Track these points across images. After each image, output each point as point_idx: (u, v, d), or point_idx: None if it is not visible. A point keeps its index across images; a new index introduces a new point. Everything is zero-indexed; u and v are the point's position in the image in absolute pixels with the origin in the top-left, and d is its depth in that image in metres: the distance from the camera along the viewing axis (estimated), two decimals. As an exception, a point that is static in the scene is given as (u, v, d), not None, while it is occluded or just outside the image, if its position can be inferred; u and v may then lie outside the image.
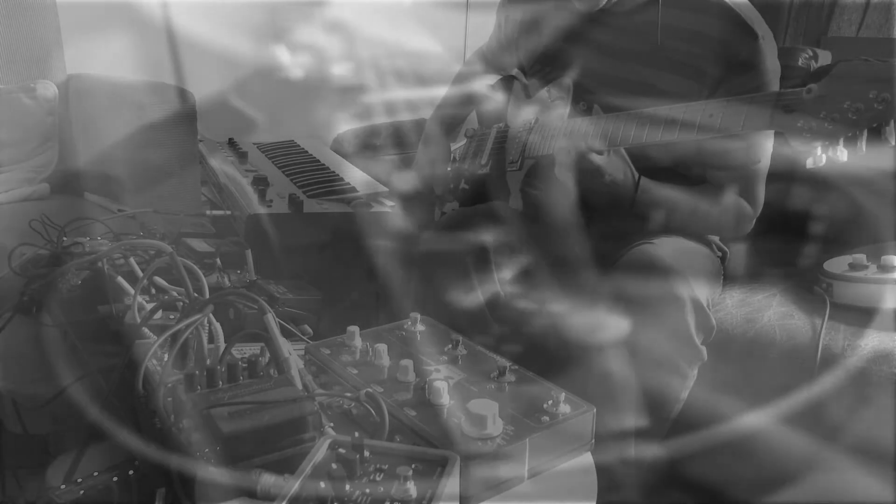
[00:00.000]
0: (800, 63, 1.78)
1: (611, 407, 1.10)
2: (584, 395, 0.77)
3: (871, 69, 0.90)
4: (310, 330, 0.95)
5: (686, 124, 1.05)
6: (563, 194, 1.16)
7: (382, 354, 0.81)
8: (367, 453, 0.60)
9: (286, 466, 0.62)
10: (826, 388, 1.19)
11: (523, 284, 1.29)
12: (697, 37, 1.18)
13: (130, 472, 0.68)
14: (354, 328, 0.86)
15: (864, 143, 0.91)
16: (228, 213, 1.46)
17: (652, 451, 1.15)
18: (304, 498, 0.56)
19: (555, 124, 1.28)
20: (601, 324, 1.09)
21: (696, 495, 1.28)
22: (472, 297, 1.24)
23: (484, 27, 1.59)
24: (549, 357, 1.12)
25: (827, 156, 0.93)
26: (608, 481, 1.11)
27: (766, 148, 1.21)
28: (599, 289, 1.21)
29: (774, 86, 1.18)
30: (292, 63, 2.20)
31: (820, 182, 1.57)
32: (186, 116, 1.61)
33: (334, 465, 0.59)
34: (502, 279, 1.28)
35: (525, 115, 1.38)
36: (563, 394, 0.74)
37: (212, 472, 0.61)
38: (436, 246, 1.28)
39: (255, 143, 1.96)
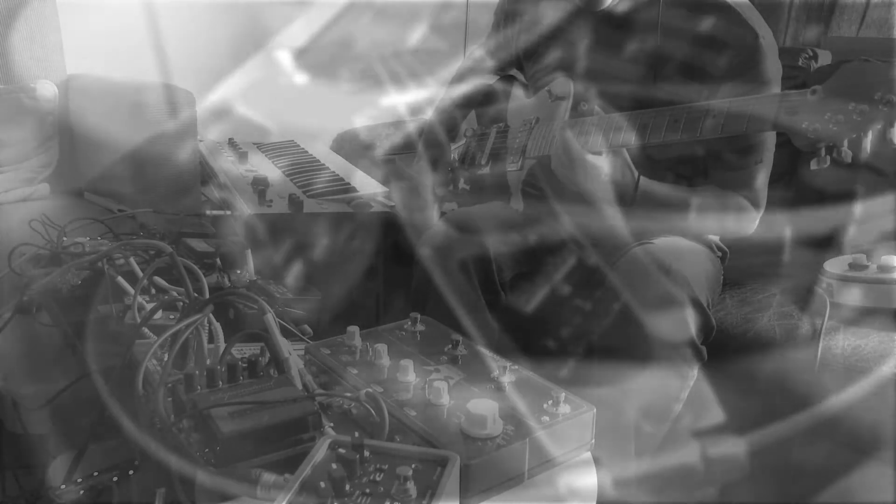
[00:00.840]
0: (800, 63, 1.78)
1: (689, 403, 1.11)
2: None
3: (875, 70, 0.90)
4: (310, 330, 0.95)
5: (688, 126, 1.05)
6: (592, 180, 1.15)
7: (382, 354, 0.81)
8: (367, 453, 0.60)
9: (286, 466, 0.62)
10: (826, 389, 1.19)
11: (576, 282, 1.29)
12: (698, 36, 1.18)
13: (130, 472, 0.68)
14: (354, 328, 0.86)
15: (868, 143, 0.91)
16: (228, 213, 1.46)
17: (735, 446, 1.16)
18: (304, 498, 0.56)
19: (555, 124, 1.28)
20: (679, 318, 1.09)
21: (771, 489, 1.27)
22: (473, 297, 1.24)
23: (484, 27, 1.59)
24: (618, 355, 1.12)
25: (831, 157, 0.93)
26: (689, 480, 1.12)
27: (767, 147, 1.21)
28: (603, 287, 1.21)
29: (776, 84, 1.18)
30: (293, 68, 2.19)
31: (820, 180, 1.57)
32: (186, 116, 1.61)
33: (334, 465, 0.58)
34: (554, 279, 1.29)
35: (525, 114, 1.38)
36: (564, 394, 0.74)
37: (212, 473, 0.61)
38: (435, 246, 1.28)
39: (255, 143, 1.96)
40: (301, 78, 2.21)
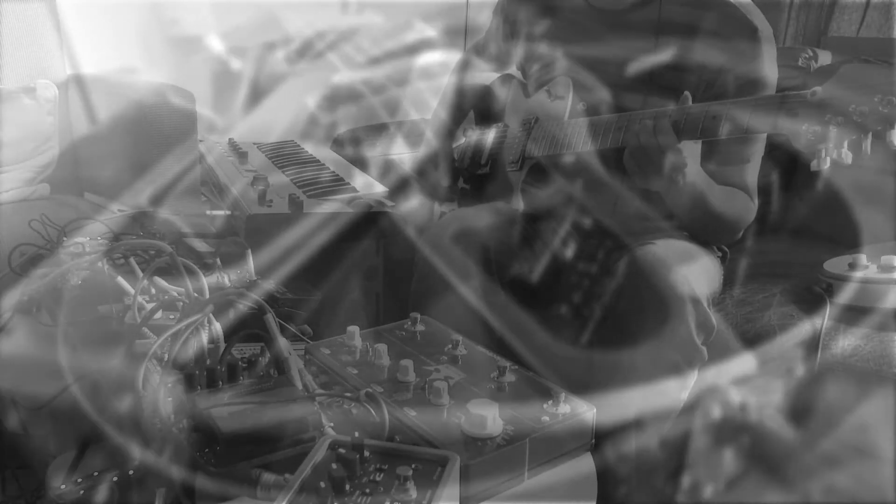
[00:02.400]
0: (800, 63, 1.78)
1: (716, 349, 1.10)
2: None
3: (875, 72, 0.90)
4: (310, 330, 0.95)
5: (688, 127, 1.06)
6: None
7: (382, 354, 0.81)
8: (367, 453, 0.60)
9: (286, 466, 0.62)
10: (826, 388, 1.19)
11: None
12: (696, 31, 1.18)
13: (130, 472, 0.68)
14: (354, 328, 0.86)
15: (868, 145, 0.91)
16: (228, 213, 1.46)
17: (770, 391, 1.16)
18: (304, 498, 0.56)
19: (555, 124, 1.28)
20: (679, 319, 1.09)
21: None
22: (473, 297, 1.23)
23: (484, 25, 1.59)
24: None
25: (831, 158, 0.93)
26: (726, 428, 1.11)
27: (755, 151, 1.22)
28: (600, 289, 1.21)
29: (773, 78, 1.18)
30: (226, 53, 2.10)
31: (820, 181, 1.58)
32: (186, 116, 1.61)
33: (334, 465, 0.59)
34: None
35: (524, 114, 1.38)
36: (563, 394, 0.74)
37: (212, 472, 0.61)
38: (435, 246, 1.28)
39: (255, 143, 1.96)
40: (236, 63, 2.12)
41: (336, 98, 2.21)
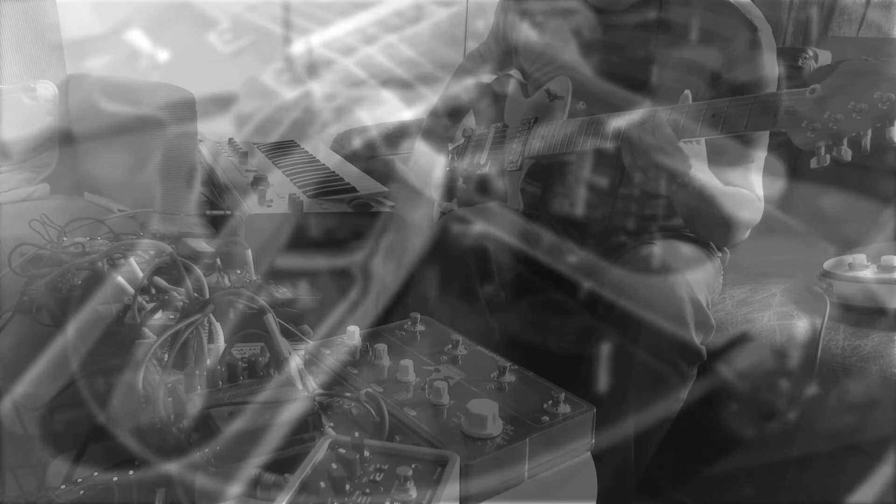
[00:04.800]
0: (800, 63, 1.78)
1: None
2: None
3: (875, 69, 0.90)
4: (310, 330, 0.95)
5: (688, 124, 1.06)
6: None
7: (382, 354, 0.81)
8: (367, 453, 0.60)
9: (286, 466, 0.62)
10: (826, 388, 1.19)
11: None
12: (696, 32, 1.19)
13: (130, 472, 0.68)
14: (354, 328, 0.86)
15: (868, 142, 0.91)
16: (228, 213, 1.46)
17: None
18: (304, 498, 0.56)
19: (554, 124, 1.28)
20: (678, 318, 1.10)
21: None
22: (472, 297, 1.24)
23: (484, 27, 1.59)
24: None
25: (831, 155, 0.93)
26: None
27: (758, 151, 1.22)
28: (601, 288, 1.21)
29: (773, 79, 1.18)
30: (151, 50, 1.97)
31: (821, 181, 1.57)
32: (186, 116, 1.61)
33: (334, 465, 0.59)
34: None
35: (524, 114, 1.38)
36: (563, 394, 0.74)
37: (212, 473, 0.61)
38: (434, 246, 1.28)
39: (255, 143, 1.96)
40: (163, 54, 1.99)
41: (303, 69, 2.13)
